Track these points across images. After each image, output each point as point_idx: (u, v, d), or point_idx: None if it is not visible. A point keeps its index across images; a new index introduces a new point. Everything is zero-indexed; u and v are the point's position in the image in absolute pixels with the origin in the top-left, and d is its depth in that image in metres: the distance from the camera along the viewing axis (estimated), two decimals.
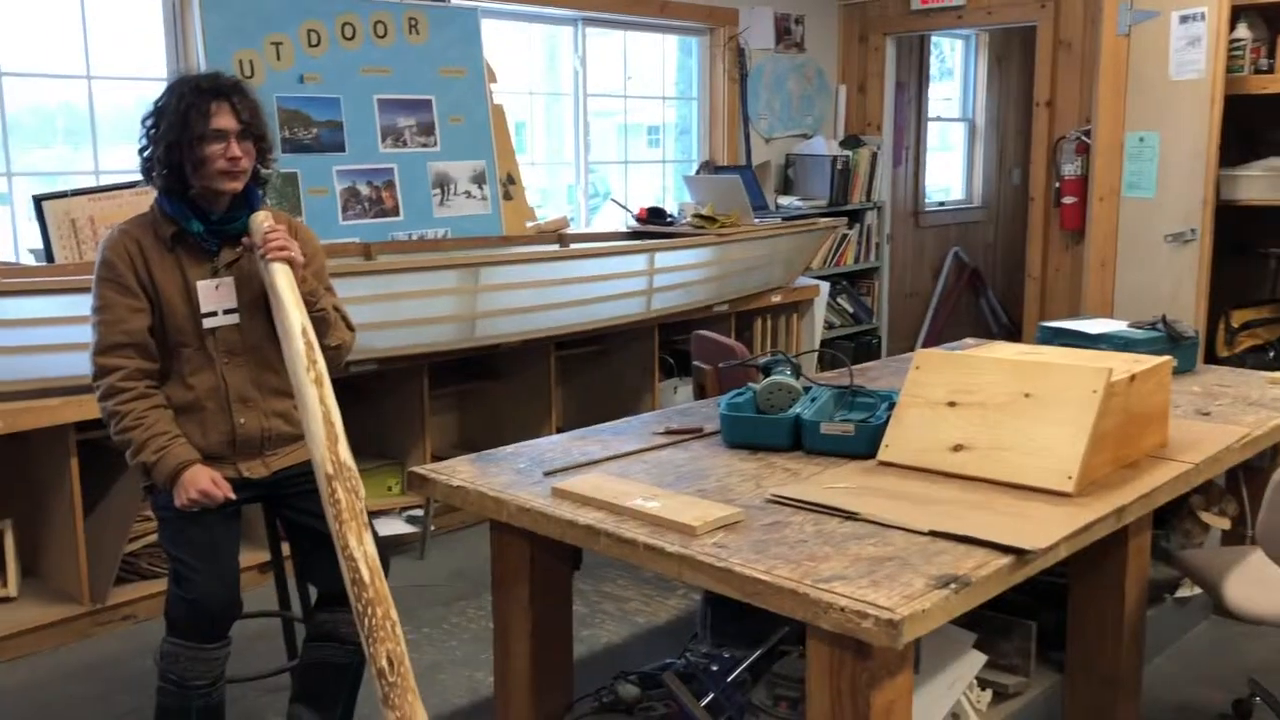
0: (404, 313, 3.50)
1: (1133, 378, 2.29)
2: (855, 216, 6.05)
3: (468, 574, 3.69)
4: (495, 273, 3.62)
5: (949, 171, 7.48)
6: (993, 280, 7.56)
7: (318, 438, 2.15)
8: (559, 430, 4.38)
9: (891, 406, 2.50)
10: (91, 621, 3.22)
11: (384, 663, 2.00)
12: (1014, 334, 7.68)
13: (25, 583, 3.31)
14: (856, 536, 1.93)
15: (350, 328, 2.53)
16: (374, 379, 3.91)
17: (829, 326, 5.87)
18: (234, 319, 2.38)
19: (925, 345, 7.08)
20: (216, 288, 2.36)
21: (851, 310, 6.09)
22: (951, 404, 2.31)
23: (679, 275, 4.25)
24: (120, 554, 3.19)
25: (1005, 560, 1.80)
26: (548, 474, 2.31)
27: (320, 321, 2.35)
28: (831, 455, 2.41)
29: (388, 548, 3.24)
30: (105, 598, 3.21)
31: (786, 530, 1.96)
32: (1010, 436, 2.20)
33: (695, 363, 3.51)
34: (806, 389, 2.68)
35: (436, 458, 4.06)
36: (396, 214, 4.18)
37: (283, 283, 2.31)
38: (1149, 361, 2.44)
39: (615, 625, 3.31)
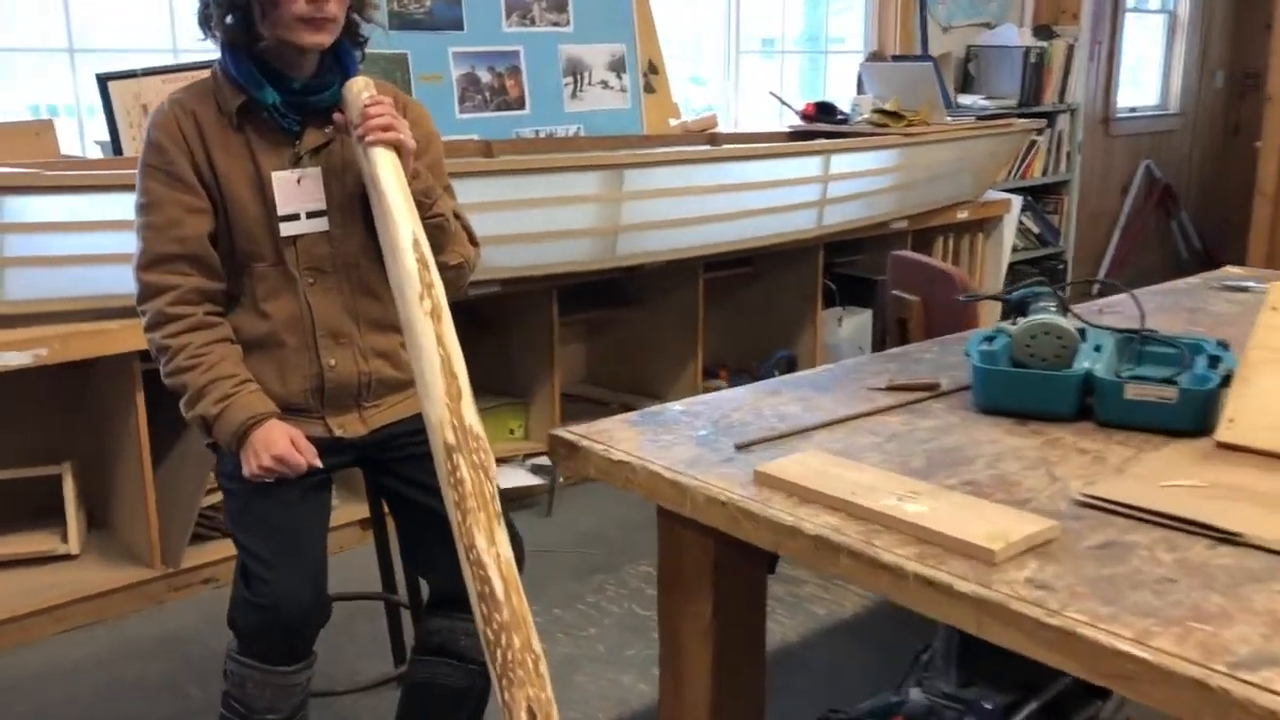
0: (535, 224, 2.87)
1: None
2: (1045, 120, 5.18)
3: (605, 538, 3.09)
4: (645, 176, 2.96)
5: (1142, 71, 6.49)
6: (1186, 199, 6.60)
7: (434, 392, 1.54)
8: (706, 368, 3.74)
9: (1214, 362, 1.79)
10: (166, 586, 2.74)
11: (524, 716, 1.41)
12: (1207, 263, 6.73)
13: (91, 538, 2.82)
14: (1250, 573, 1.25)
15: (474, 242, 1.92)
16: (494, 303, 3.31)
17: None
18: (321, 225, 1.77)
19: (1110, 273, 6.21)
20: (298, 181, 1.75)
21: (1037, 230, 5.26)
22: None
23: (858, 184, 3.53)
24: (197, 507, 2.68)
25: None
26: (741, 448, 1.67)
27: (438, 231, 1.74)
28: (1137, 429, 1.71)
29: (513, 518, 2.66)
30: (179, 559, 2.71)
31: (1132, 558, 1.29)
32: None
33: (895, 293, 2.80)
34: (1082, 333, 1.96)
35: (565, 396, 3.46)
36: (522, 106, 3.53)
37: (388, 176, 1.68)
38: None
39: (788, 616, 2.68)
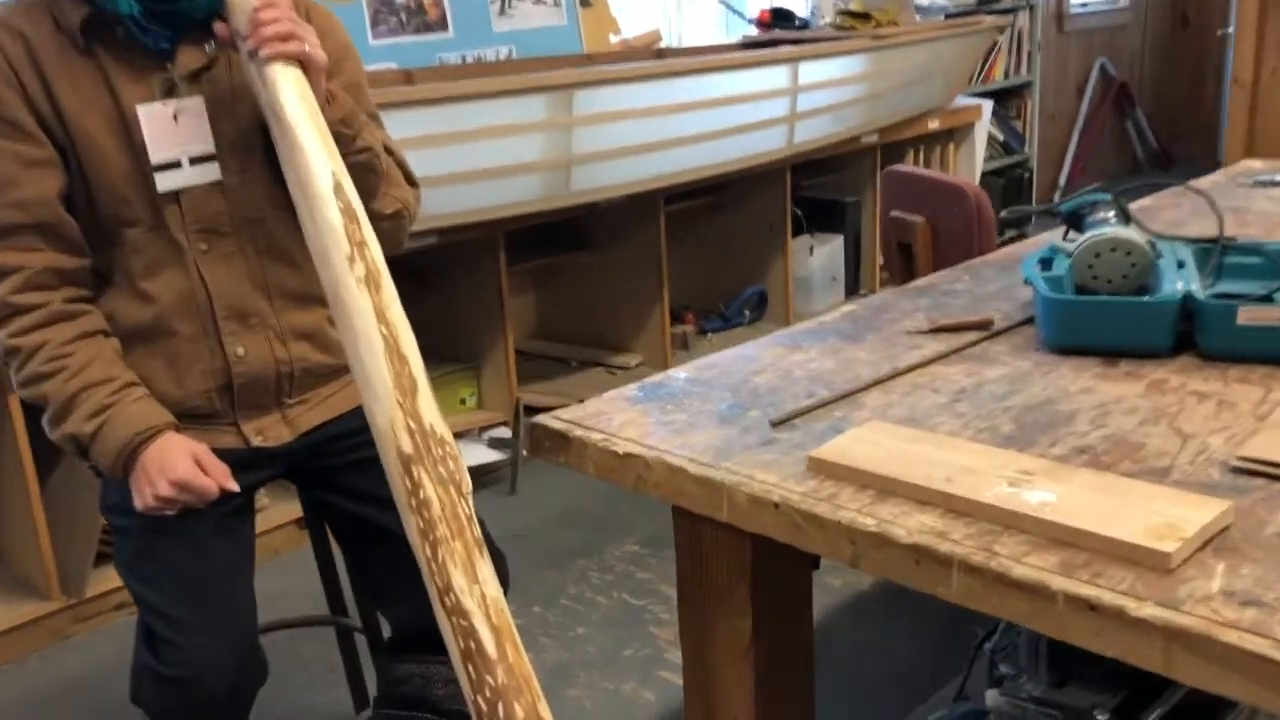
0: (474, 161, 2.46)
1: None
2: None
3: (582, 514, 2.73)
4: (597, 97, 2.56)
5: None
6: (1140, 97, 6.33)
7: (379, 387, 1.16)
8: (674, 312, 3.37)
9: None
10: (70, 618, 2.33)
11: None
12: (1164, 161, 6.50)
13: None
14: None
15: (413, 181, 1.54)
16: (432, 256, 2.89)
17: None
18: (210, 173, 1.37)
19: (1070, 180, 5.94)
20: (174, 117, 1.34)
21: (1001, 138, 4.94)
22: None
23: (828, 94, 3.17)
24: (99, 523, 2.25)
25: None
26: (779, 424, 1.32)
27: (366, 171, 1.35)
28: (1252, 361, 1.40)
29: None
30: (83, 587, 2.29)
31: None
32: None
33: (895, 214, 2.44)
34: (1153, 247, 1.62)
35: (519, 354, 3.08)
36: (444, 28, 3.09)
37: (293, 101, 1.28)
38: None
39: None
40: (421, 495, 1.14)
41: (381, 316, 1.19)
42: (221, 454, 1.35)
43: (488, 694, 1.10)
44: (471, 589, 1.13)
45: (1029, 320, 1.63)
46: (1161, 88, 6.49)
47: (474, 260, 2.93)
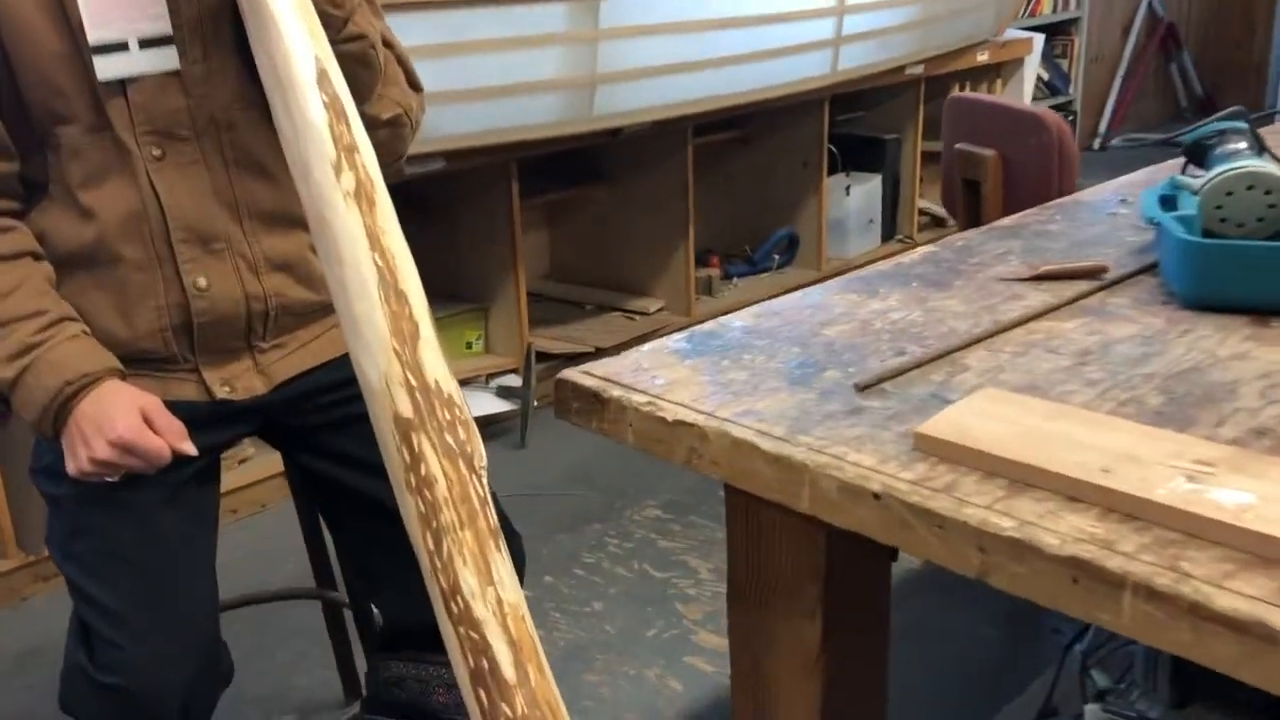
0: (488, 75, 2.18)
1: None
2: None
3: (599, 472, 2.49)
4: (626, 7, 2.26)
5: None
6: (1187, 39, 6.00)
7: (371, 332, 0.91)
8: (697, 255, 3.11)
9: None
10: (29, 576, 2.11)
11: None
12: (1209, 111, 6.17)
13: None
14: None
15: (415, 85, 1.26)
16: (438, 184, 2.62)
17: None
18: (167, 59, 1.11)
19: (1111, 125, 5.64)
20: None
21: (1046, 77, 4.62)
22: None
23: (876, 17, 2.86)
24: None
25: None
26: (865, 388, 1.08)
27: (358, 64, 1.09)
28: None
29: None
30: (43, 543, 2.04)
31: None
32: None
33: (962, 147, 2.17)
34: None
35: (530, 296, 2.83)
36: None
37: None
38: None
39: None
40: (423, 471, 0.89)
41: (375, 242, 0.94)
42: (178, 408, 1.10)
43: None
44: (485, 592, 0.89)
45: (1147, 269, 1.37)
46: (1209, 30, 6.14)
47: (483, 190, 2.66)
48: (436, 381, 0.93)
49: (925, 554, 0.89)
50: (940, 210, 3.84)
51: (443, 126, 2.15)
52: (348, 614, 1.59)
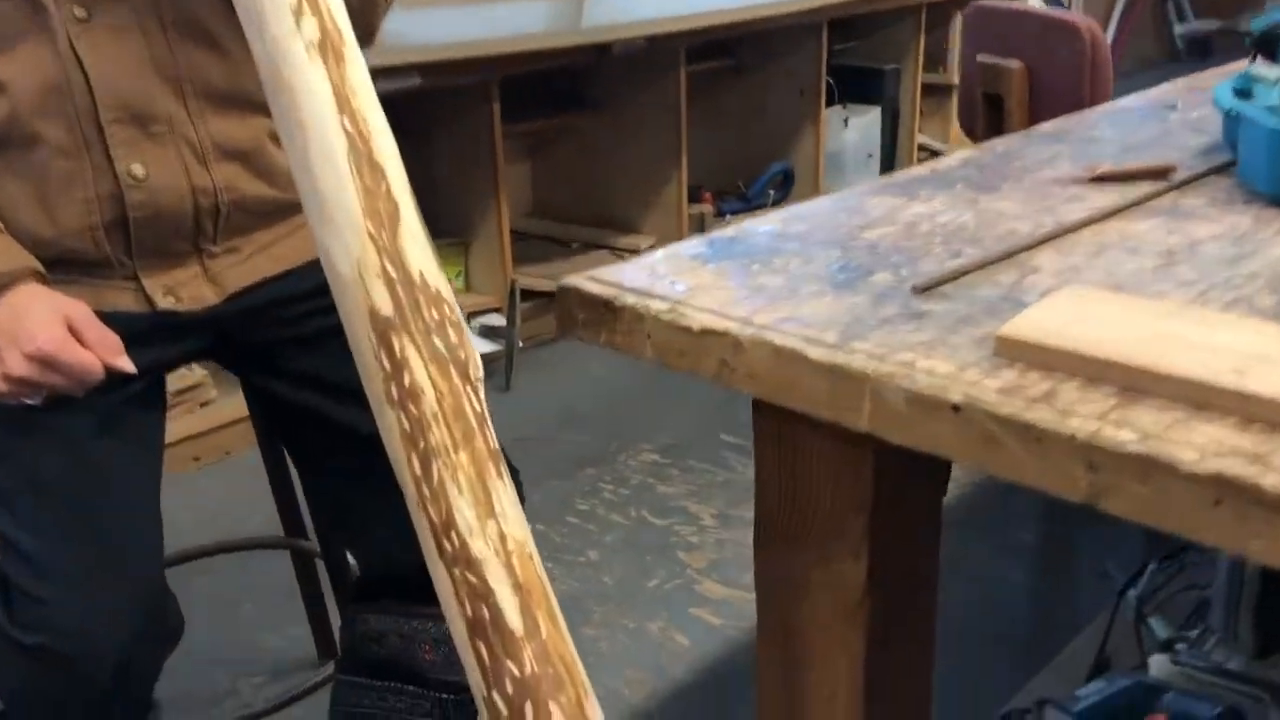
0: None
1: None
2: None
3: (590, 413, 2.34)
4: None
5: None
6: None
7: (338, 209, 0.74)
8: (690, 192, 2.94)
9: None
10: None
11: None
12: (1205, 51, 6.03)
13: None
14: None
15: None
16: (414, 105, 2.43)
17: None
18: None
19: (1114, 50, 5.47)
20: None
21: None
22: None
23: None
24: None
25: None
26: (923, 290, 0.93)
27: None
28: None
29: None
30: None
31: None
32: None
33: (984, 59, 2.01)
34: None
35: (513, 234, 2.65)
36: None
37: None
38: None
39: None
40: (406, 381, 0.74)
41: (344, 103, 0.77)
42: (114, 319, 0.93)
43: (508, 689, 0.71)
44: (484, 526, 0.73)
45: (1219, 169, 1.23)
46: None
47: (463, 112, 2.48)
48: (421, 274, 0.76)
49: (1016, 475, 0.74)
50: (939, 145, 3.68)
51: (420, 35, 1.96)
52: (320, 565, 1.44)
